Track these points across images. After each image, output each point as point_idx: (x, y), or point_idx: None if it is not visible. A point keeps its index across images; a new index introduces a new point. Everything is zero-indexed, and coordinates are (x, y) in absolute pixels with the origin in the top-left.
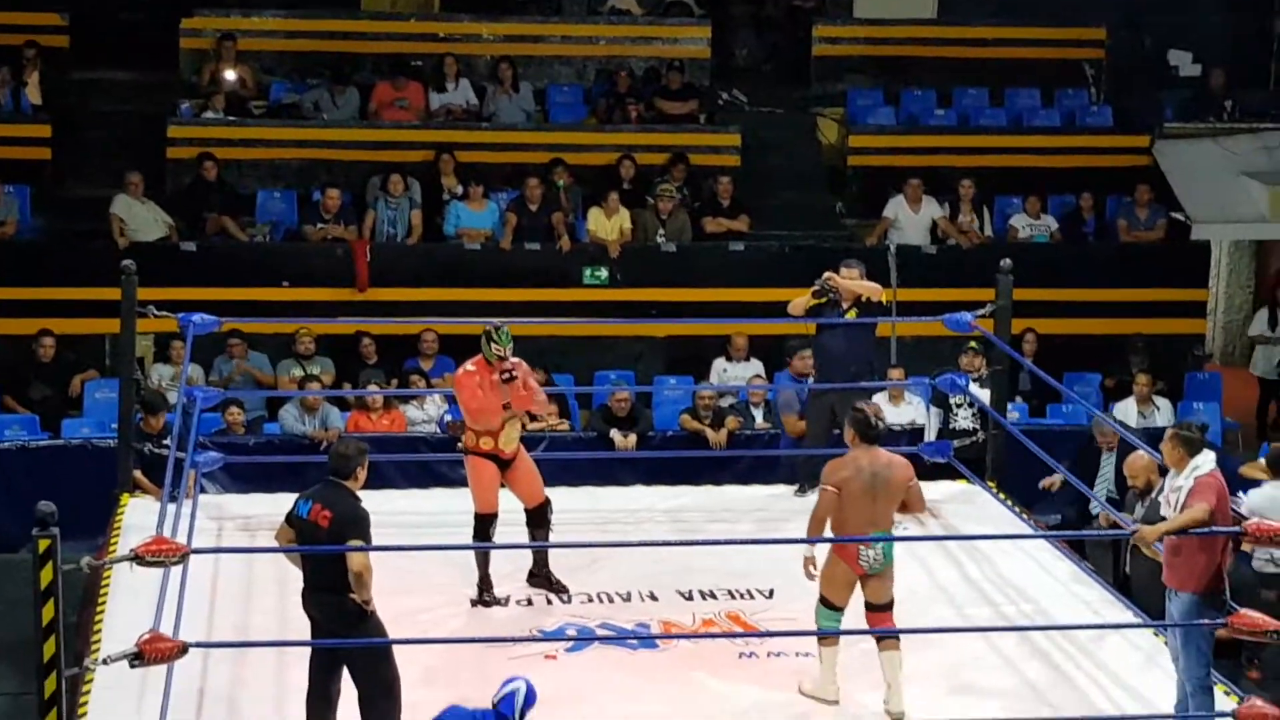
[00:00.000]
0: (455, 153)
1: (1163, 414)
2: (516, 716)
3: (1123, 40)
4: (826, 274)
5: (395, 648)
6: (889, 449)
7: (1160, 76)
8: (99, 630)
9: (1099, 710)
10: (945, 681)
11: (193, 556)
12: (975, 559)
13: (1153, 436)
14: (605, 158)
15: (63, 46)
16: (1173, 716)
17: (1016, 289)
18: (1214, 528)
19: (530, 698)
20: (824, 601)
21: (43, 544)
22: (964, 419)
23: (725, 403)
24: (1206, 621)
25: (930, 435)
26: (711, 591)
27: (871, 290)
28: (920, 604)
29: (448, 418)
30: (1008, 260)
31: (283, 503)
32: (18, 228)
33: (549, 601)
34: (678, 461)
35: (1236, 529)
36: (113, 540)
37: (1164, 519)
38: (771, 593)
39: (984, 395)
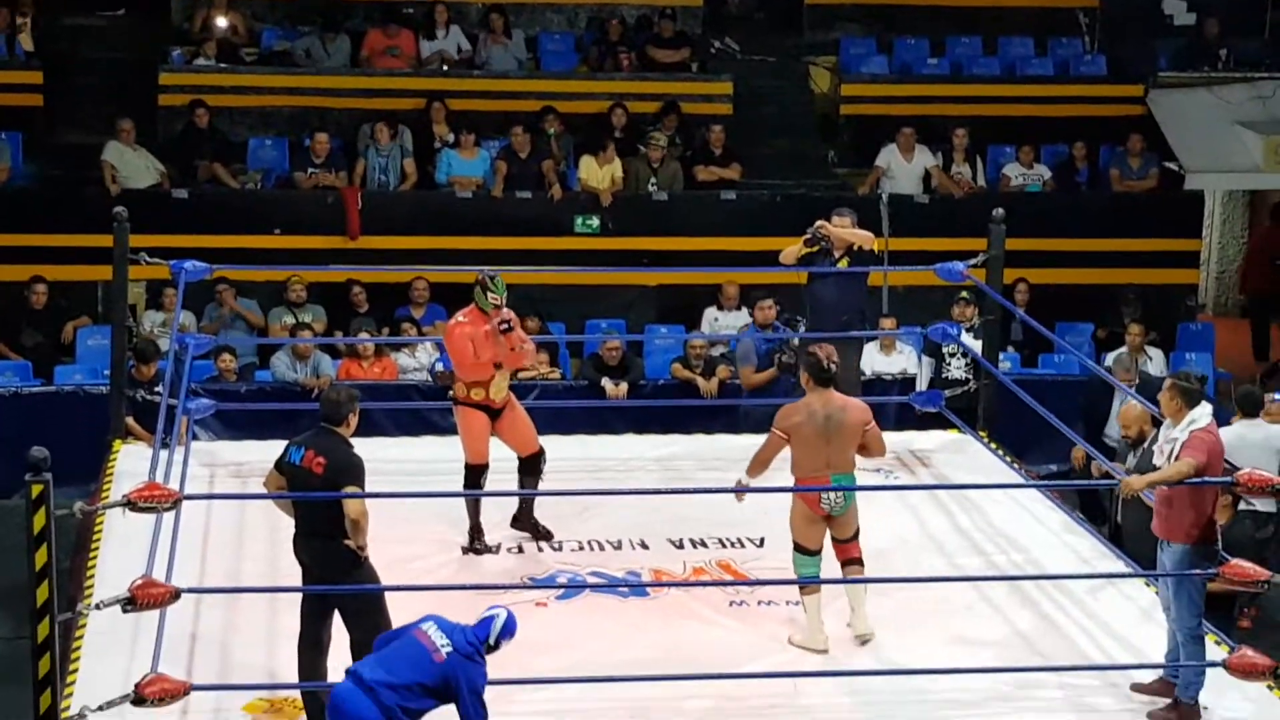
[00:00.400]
0: (447, 101)
1: (1155, 364)
2: (492, 641)
3: None
4: (819, 222)
5: (386, 594)
6: (882, 398)
7: (1155, 25)
8: (92, 575)
9: (1089, 659)
10: (936, 631)
11: (185, 502)
12: (966, 508)
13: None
14: (597, 106)
15: None
16: (1164, 665)
17: (1009, 238)
18: (1205, 478)
19: (509, 627)
20: (798, 548)
21: (35, 489)
22: (956, 369)
23: (716, 352)
24: (1198, 572)
25: (922, 385)
26: (702, 540)
27: (864, 239)
28: (911, 553)
29: (439, 367)
30: (1000, 210)
31: (274, 449)
32: (10, 174)
33: (540, 549)
34: (669, 410)
35: (1228, 479)
36: (105, 486)
37: (1156, 469)
38: (762, 541)
39: (976, 345)
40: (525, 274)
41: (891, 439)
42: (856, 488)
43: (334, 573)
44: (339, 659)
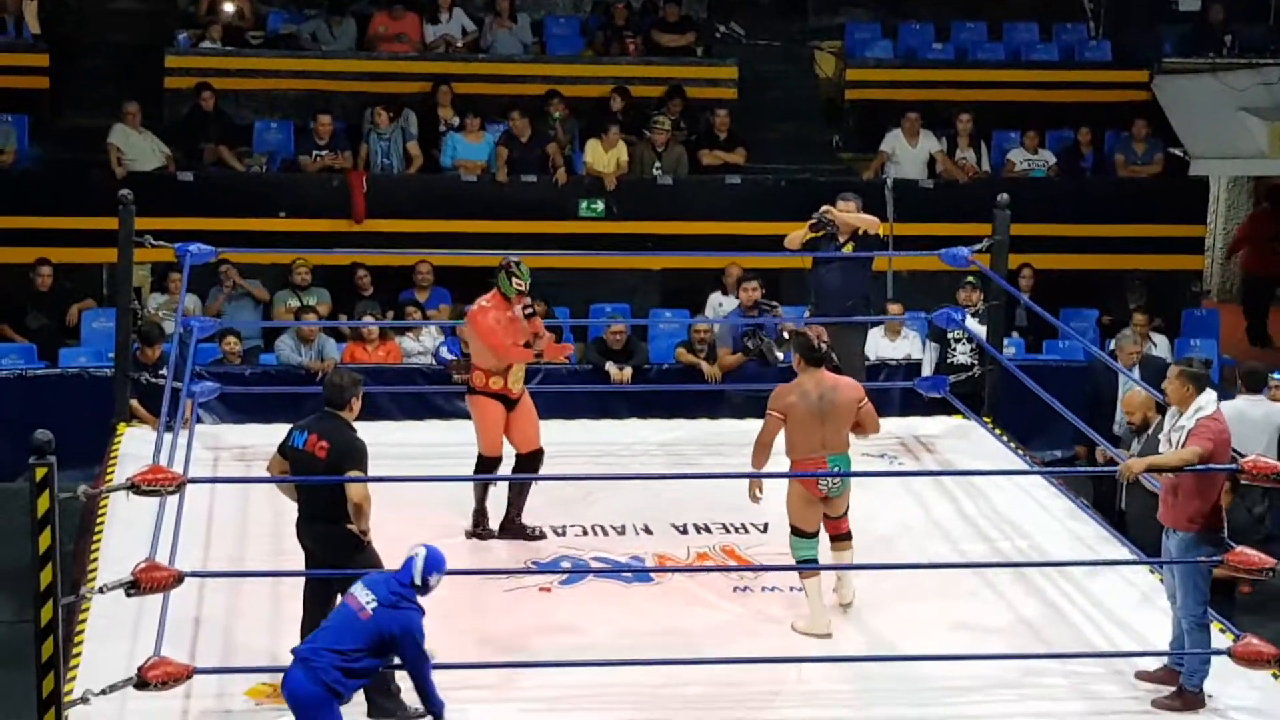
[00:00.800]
0: (452, 84)
1: (1160, 350)
2: (418, 580)
3: None
4: (824, 207)
5: None
6: (886, 383)
7: (1159, 11)
8: (95, 559)
9: (1094, 646)
10: (940, 617)
11: (189, 486)
12: (971, 494)
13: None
14: (602, 90)
15: None
16: (1169, 653)
17: (1014, 224)
18: (1211, 466)
19: (433, 563)
20: (795, 531)
21: (40, 472)
22: (961, 354)
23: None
24: (1204, 559)
25: (927, 370)
26: (706, 525)
27: (869, 223)
28: (916, 539)
29: (446, 354)
30: (1005, 195)
31: (279, 433)
32: (15, 157)
33: (543, 535)
34: (673, 395)
35: (1234, 467)
36: (109, 469)
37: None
38: (766, 527)
39: (980, 330)
40: (530, 258)
41: (896, 424)
42: (860, 473)
43: (337, 557)
44: None
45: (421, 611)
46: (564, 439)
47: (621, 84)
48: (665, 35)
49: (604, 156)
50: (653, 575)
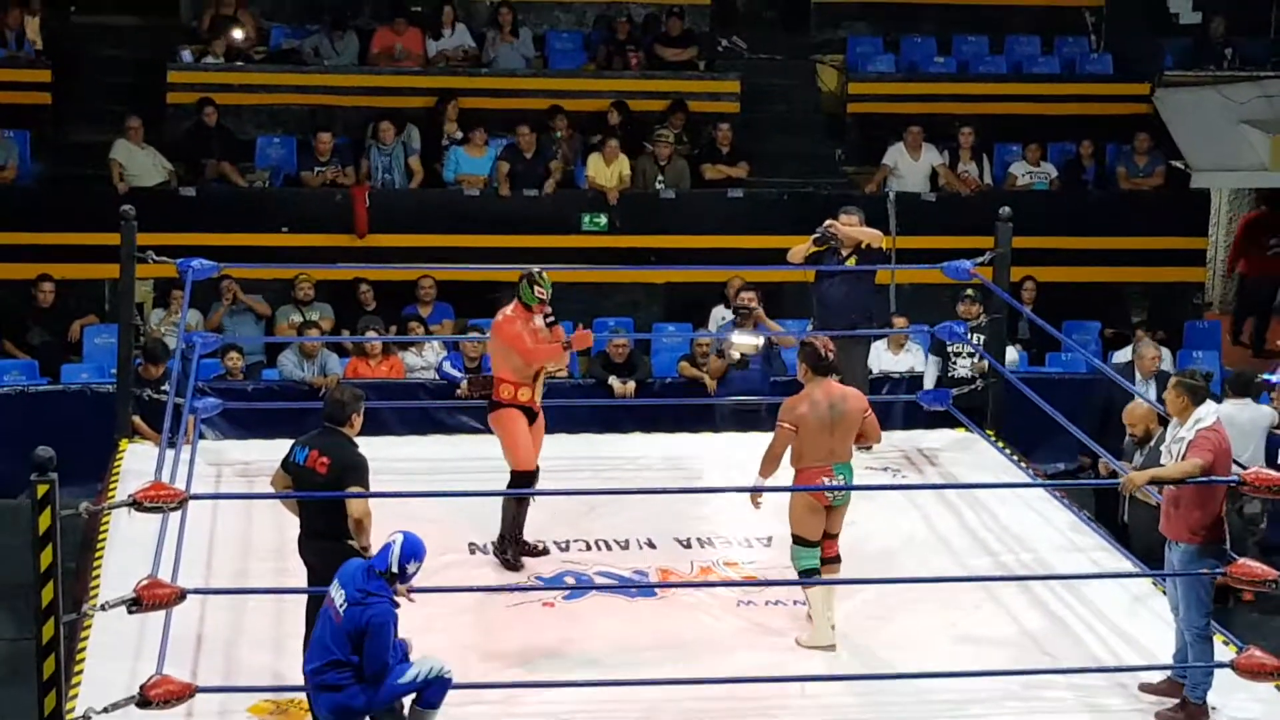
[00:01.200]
0: (458, 98)
1: (1163, 362)
2: (394, 568)
3: None
4: (828, 221)
5: None
6: (890, 397)
7: (1161, 24)
8: (97, 576)
9: (1097, 659)
10: (944, 630)
11: (191, 502)
12: (974, 507)
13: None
14: (604, 104)
15: None
16: (1172, 666)
17: (1016, 237)
18: (1212, 478)
19: (410, 549)
20: (798, 540)
21: (41, 489)
22: (962, 368)
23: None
24: (1206, 571)
25: (929, 383)
26: (710, 539)
27: (872, 237)
28: (919, 553)
29: (450, 369)
30: (1007, 208)
31: (281, 448)
32: (18, 172)
33: (547, 550)
34: (676, 408)
35: (1235, 479)
36: (111, 486)
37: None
38: (770, 540)
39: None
40: None
41: (899, 437)
42: (864, 487)
43: None
44: None
45: (394, 604)
46: (567, 453)
47: (620, 99)
48: (668, 49)
49: (606, 171)
50: (656, 590)
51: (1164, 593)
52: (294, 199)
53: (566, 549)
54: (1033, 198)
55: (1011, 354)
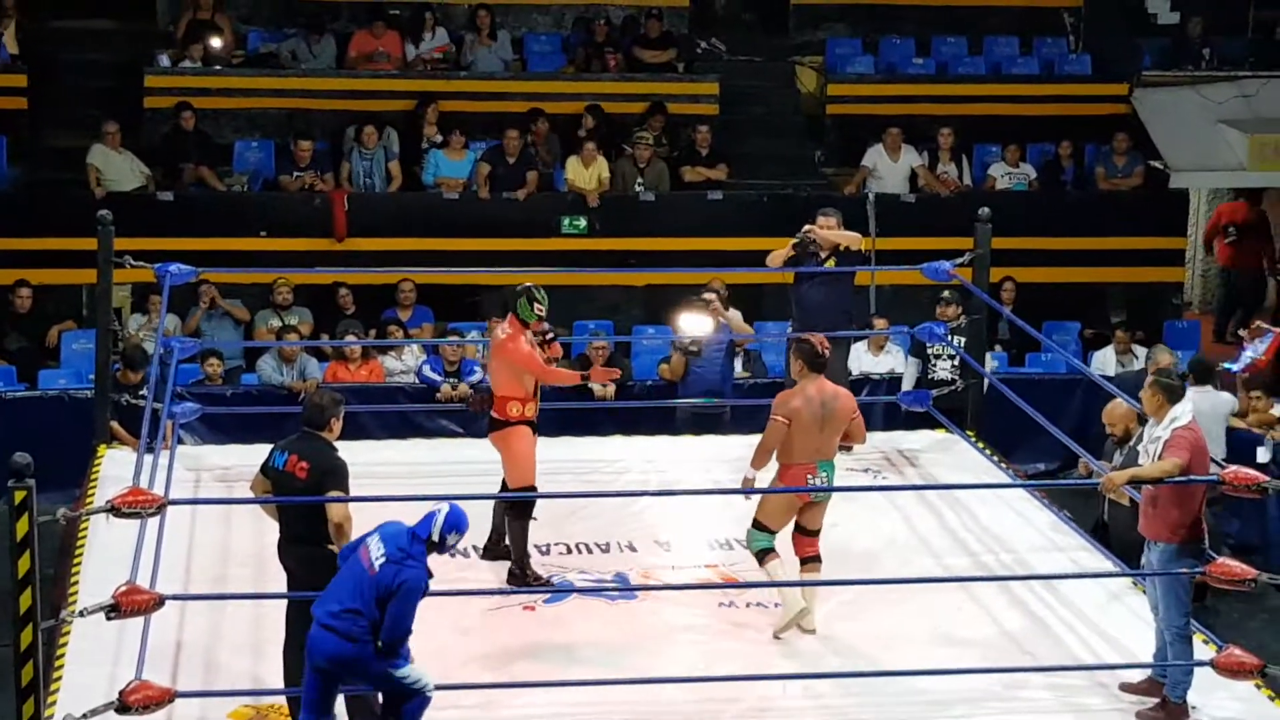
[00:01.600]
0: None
1: (1141, 362)
2: (435, 537)
3: None
4: (807, 227)
5: None
6: (870, 398)
7: (1139, 24)
8: (76, 582)
9: (1078, 659)
10: (925, 630)
11: (170, 508)
12: (954, 508)
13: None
14: (583, 107)
15: None
16: (1152, 665)
17: (995, 237)
18: (1191, 477)
19: (454, 522)
20: (758, 525)
21: (19, 495)
22: (942, 369)
23: None
24: (1185, 570)
25: (908, 385)
26: (690, 542)
27: (851, 239)
28: (900, 554)
29: (429, 373)
30: (986, 209)
31: (260, 453)
32: None
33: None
34: (656, 411)
35: (1214, 478)
36: (90, 491)
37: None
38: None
39: (959, 344)
40: (512, 275)
41: (879, 439)
42: (845, 488)
43: (318, 578)
44: None
45: (429, 573)
46: (548, 456)
47: (598, 101)
48: (646, 51)
49: (584, 173)
50: (637, 593)
51: (1144, 592)
52: (272, 203)
53: (547, 552)
54: (1012, 198)
55: (991, 363)
